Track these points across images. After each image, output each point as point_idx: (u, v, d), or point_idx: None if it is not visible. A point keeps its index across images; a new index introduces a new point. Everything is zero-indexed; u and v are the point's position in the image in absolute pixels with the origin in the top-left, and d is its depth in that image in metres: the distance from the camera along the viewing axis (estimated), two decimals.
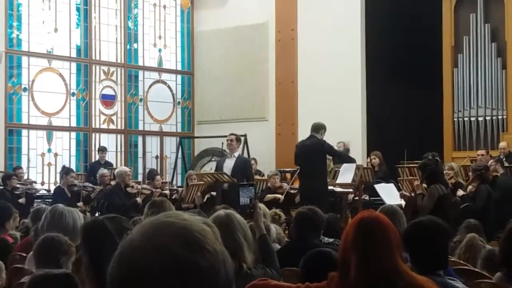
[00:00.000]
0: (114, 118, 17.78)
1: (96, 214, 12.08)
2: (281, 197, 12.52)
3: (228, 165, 11.75)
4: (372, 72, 16.45)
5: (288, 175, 14.07)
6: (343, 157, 12.22)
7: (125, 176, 12.80)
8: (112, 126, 17.75)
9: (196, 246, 1.36)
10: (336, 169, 13.12)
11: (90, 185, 13.86)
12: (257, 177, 14.16)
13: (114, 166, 15.65)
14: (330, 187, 11.83)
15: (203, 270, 1.35)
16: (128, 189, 12.70)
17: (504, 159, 13.37)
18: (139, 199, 12.36)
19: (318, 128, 11.45)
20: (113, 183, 13.40)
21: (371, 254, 3.04)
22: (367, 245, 3.06)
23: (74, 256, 4.53)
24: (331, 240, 6.35)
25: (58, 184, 14.75)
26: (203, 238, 1.38)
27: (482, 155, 13.54)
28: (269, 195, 12.43)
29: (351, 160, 13.91)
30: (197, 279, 1.34)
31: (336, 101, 16.08)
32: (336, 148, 11.85)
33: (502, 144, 14.26)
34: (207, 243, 1.38)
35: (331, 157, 13.88)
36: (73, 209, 5.57)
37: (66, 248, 4.53)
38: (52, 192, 14.46)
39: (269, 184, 12.96)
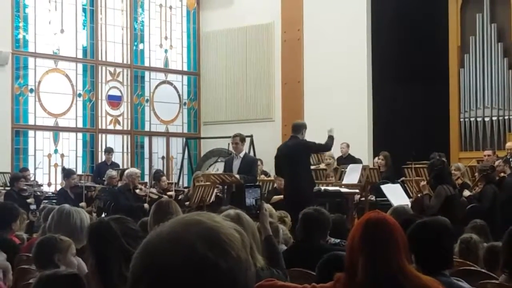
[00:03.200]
0: (120, 119, 17.80)
1: (103, 215, 12.09)
2: None
3: (235, 165, 11.77)
4: (378, 72, 16.44)
5: None
6: (327, 147, 11.82)
7: (135, 177, 12.82)
8: (118, 127, 17.78)
9: (220, 248, 1.37)
10: (342, 169, 13.11)
11: (92, 184, 13.86)
12: (263, 177, 14.16)
13: (121, 167, 15.66)
14: (336, 188, 11.82)
15: (222, 273, 1.36)
16: (137, 191, 12.71)
17: (511, 159, 13.34)
18: (146, 205, 12.28)
19: (299, 127, 11.22)
20: (120, 184, 13.41)
21: (377, 255, 3.05)
22: (374, 246, 3.06)
23: (70, 250, 4.57)
24: (337, 240, 6.34)
25: (61, 186, 14.77)
26: (229, 242, 1.39)
27: (489, 155, 13.51)
28: (275, 196, 12.40)
29: (356, 160, 13.91)
30: (214, 280, 1.36)
31: (342, 101, 16.07)
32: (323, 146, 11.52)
33: (509, 144, 14.21)
34: (232, 247, 1.39)
35: (334, 158, 13.89)
36: (80, 210, 5.61)
37: (58, 245, 4.55)
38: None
39: (275, 185, 12.95)
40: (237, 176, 11.47)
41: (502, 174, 11.91)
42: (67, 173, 13.69)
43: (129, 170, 13.39)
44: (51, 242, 4.59)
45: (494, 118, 15.72)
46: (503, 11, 15.84)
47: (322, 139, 11.56)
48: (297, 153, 10.93)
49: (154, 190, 13.20)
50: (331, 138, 11.45)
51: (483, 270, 5.17)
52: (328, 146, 11.73)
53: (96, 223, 3.56)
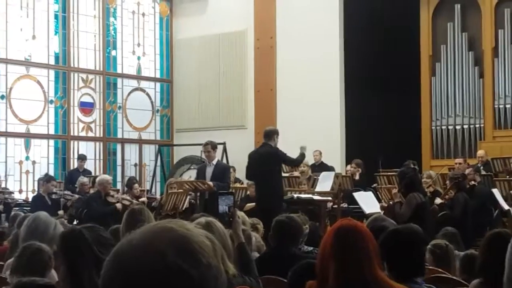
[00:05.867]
0: (92, 125, 17.71)
1: (75, 222, 12.02)
2: None
3: (208, 173, 11.75)
4: (350, 80, 16.50)
5: None
6: (297, 162, 11.89)
7: (106, 184, 12.70)
8: (90, 134, 17.68)
9: (190, 256, 1.37)
10: (315, 177, 13.14)
11: (70, 193, 13.80)
12: (236, 185, 14.16)
13: (93, 174, 15.58)
14: (309, 195, 11.84)
15: (192, 281, 1.36)
16: (108, 198, 12.61)
17: (481, 167, 13.46)
18: (118, 205, 12.25)
19: (270, 134, 11.20)
20: (92, 191, 13.34)
21: (349, 262, 3.06)
22: (345, 253, 3.07)
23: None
24: (310, 248, 6.35)
25: (37, 191, 14.66)
26: (200, 250, 1.39)
27: (460, 163, 13.62)
28: (248, 204, 12.39)
29: (329, 168, 13.95)
30: None
31: (315, 109, 16.11)
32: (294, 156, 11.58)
33: (480, 152, 14.36)
34: (203, 255, 1.39)
35: (309, 165, 13.93)
36: (54, 220, 5.53)
37: (48, 260, 4.50)
38: (30, 200, 14.37)
39: (248, 193, 12.94)
40: (210, 183, 11.46)
41: (472, 182, 12.01)
42: (48, 178, 13.62)
43: (100, 177, 13.31)
44: (46, 255, 4.51)
45: (465, 126, 15.85)
46: (474, 20, 16.00)
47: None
48: (267, 161, 10.93)
49: (126, 196, 13.14)
50: (302, 156, 11.51)
51: (455, 278, 5.20)
52: (297, 162, 11.82)
53: (68, 231, 3.54)
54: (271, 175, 10.98)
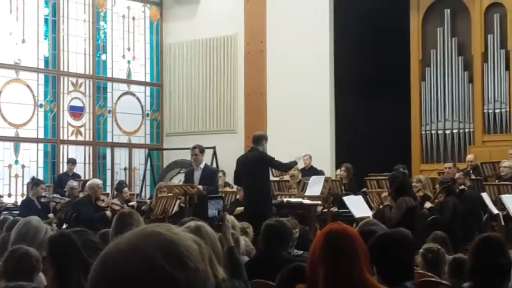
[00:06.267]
0: (82, 129, 17.68)
1: (64, 226, 12.00)
2: None
3: (196, 176, 11.76)
4: (341, 84, 16.53)
5: None
6: (287, 167, 11.92)
7: (97, 188, 12.67)
8: (80, 138, 17.64)
9: (178, 260, 1.36)
10: (305, 181, 13.15)
11: (59, 196, 13.77)
12: (226, 189, 14.16)
13: (82, 178, 15.55)
14: (298, 199, 11.84)
15: (179, 285, 1.35)
16: (98, 202, 12.58)
17: (471, 171, 13.49)
18: (108, 212, 12.25)
19: (259, 139, 11.16)
20: (81, 195, 13.31)
21: (338, 266, 3.06)
22: (334, 257, 3.07)
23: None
24: (300, 252, 6.35)
25: (26, 195, 14.62)
26: (188, 254, 1.38)
27: (450, 167, 13.64)
28: (238, 208, 12.39)
29: (318, 172, 13.97)
30: None
31: (305, 113, 16.13)
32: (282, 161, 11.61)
33: (469, 157, 14.40)
34: (190, 259, 1.38)
35: (299, 170, 13.93)
36: (46, 225, 5.51)
37: (36, 264, 4.48)
38: (19, 204, 14.32)
39: (238, 197, 12.94)
40: (200, 187, 11.46)
41: (462, 187, 12.04)
42: (37, 182, 13.59)
43: (91, 181, 13.28)
44: (33, 258, 4.49)
45: (455, 131, 15.90)
46: (463, 25, 16.06)
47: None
48: (256, 165, 10.92)
49: (116, 201, 13.11)
50: (294, 162, 11.52)
51: (444, 282, 5.20)
52: (286, 167, 11.84)
53: (57, 235, 3.53)
54: (259, 179, 10.97)
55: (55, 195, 13.81)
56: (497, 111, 15.46)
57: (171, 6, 18.97)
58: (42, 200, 13.31)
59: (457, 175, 12.41)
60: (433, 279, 5.26)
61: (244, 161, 11.25)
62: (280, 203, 11.58)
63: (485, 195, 11.65)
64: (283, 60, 16.70)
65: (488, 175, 13.66)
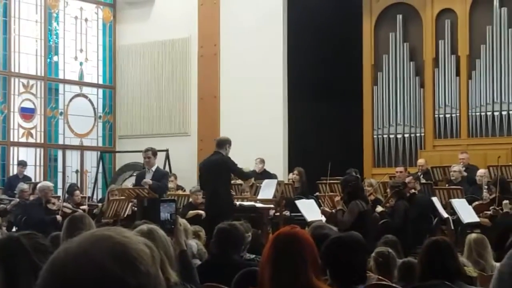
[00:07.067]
0: (33, 131, 17.47)
1: (14, 229, 11.84)
2: (203, 213, 12.48)
3: (147, 178, 11.75)
4: (294, 88, 16.59)
5: None
6: (246, 176, 12.14)
7: (47, 191, 12.54)
8: (31, 140, 17.44)
9: (128, 264, 1.35)
10: (258, 184, 13.16)
11: (7, 197, 13.58)
12: (179, 192, 14.11)
13: (33, 181, 15.37)
14: (251, 203, 11.85)
15: None
16: (49, 205, 12.44)
17: (421, 176, 13.64)
18: (59, 217, 12.10)
19: (223, 143, 11.30)
20: (32, 197, 13.15)
21: (283, 268, 3.07)
22: (280, 258, 3.08)
23: None
24: (252, 256, 6.35)
25: None
26: (139, 257, 1.37)
27: (401, 172, 13.78)
28: (191, 211, 12.38)
29: (271, 176, 13.98)
30: None
31: (258, 117, 16.15)
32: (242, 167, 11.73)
33: (420, 161, 14.57)
34: (141, 263, 1.36)
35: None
36: None
37: None
38: None
39: (191, 200, 12.91)
40: (149, 181, 11.60)
41: (412, 191, 12.16)
42: None
43: (42, 184, 13.14)
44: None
45: (406, 135, 16.07)
46: (415, 31, 16.25)
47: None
48: (218, 169, 11.00)
49: (67, 204, 12.98)
50: (254, 172, 11.67)
51: (395, 286, 5.25)
52: (246, 176, 12.07)
53: (6, 239, 3.48)
54: (221, 183, 11.08)
55: (2, 196, 13.63)
56: (447, 116, 15.66)
57: (124, 8, 18.86)
58: None
59: (407, 179, 12.53)
60: (384, 282, 5.31)
61: (206, 164, 11.34)
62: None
63: (435, 199, 11.78)
64: (237, 64, 16.71)
65: (438, 179, 13.82)
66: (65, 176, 17.46)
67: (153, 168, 11.93)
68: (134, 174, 16.07)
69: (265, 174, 14.42)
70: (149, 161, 11.95)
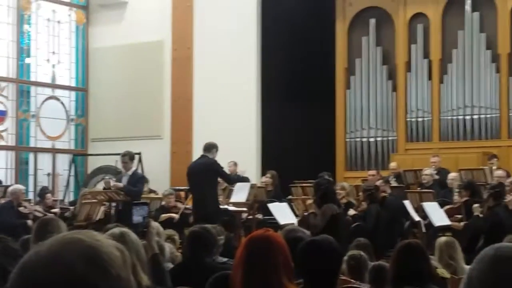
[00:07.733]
0: (4, 134, 17.32)
1: None
2: (176, 216, 12.47)
3: (124, 182, 11.74)
4: (267, 91, 16.60)
5: (183, 194, 14.02)
6: (231, 181, 12.42)
7: (19, 194, 12.46)
8: (2, 143, 17.29)
9: (99, 268, 1.34)
10: (230, 187, 13.16)
11: None
12: (152, 195, 14.07)
13: (4, 184, 15.24)
14: (224, 206, 11.86)
15: None
16: (20, 209, 12.34)
17: (394, 179, 13.71)
18: (30, 222, 11.99)
19: (210, 147, 11.55)
20: (3, 201, 13.04)
21: (254, 270, 3.08)
22: (252, 261, 3.09)
23: None
24: (224, 259, 6.35)
25: None
26: (110, 261, 1.36)
27: (373, 175, 13.83)
28: (163, 215, 12.36)
29: (244, 179, 13.99)
30: None
31: (232, 120, 16.15)
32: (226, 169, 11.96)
33: (392, 164, 14.64)
34: (112, 266, 1.36)
35: None
36: None
37: None
38: None
39: (163, 203, 12.89)
40: (120, 184, 11.62)
41: (383, 194, 12.21)
42: None
43: (13, 187, 13.04)
44: None
45: (379, 139, 16.15)
46: (387, 35, 16.35)
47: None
48: (205, 172, 11.17)
49: (39, 208, 12.89)
50: (239, 177, 11.82)
51: None
52: (231, 180, 12.40)
53: None
54: (208, 186, 11.21)
55: None
56: (419, 119, 15.77)
57: (97, 11, 18.77)
58: None
59: (377, 182, 12.58)
60: (355, 285, 5.33)
61: (193, 166, 11.52)
62: None
63: (407, 203, 11.83)
64: (211, 66, 16.69)
65: (410, 183, 13.89)
66: (37, 179, 17.34)
67: (130, 172, 11.96)
68: (107, 177, 16.01)
69: (237, 177, 14.44)
70: (126, 165, 12.01)
